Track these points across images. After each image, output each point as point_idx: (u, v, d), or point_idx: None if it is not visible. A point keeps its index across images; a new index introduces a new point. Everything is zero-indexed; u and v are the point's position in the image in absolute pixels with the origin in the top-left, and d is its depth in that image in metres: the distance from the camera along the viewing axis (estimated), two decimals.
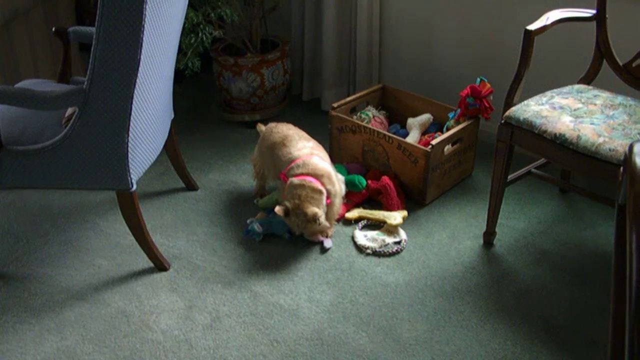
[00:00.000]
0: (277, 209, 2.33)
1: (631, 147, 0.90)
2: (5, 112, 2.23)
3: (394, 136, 2.67)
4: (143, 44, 1.88)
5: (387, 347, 2.00)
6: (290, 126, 2.67)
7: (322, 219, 2.35)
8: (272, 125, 2.70)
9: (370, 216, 2.58)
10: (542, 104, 2.19)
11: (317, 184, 2.36)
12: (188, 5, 2.57)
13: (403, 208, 2.61)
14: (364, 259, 2.40)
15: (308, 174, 2.39)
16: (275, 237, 2.50)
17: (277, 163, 2.53)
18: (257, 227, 2.46)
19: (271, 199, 2.66)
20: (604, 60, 2.37)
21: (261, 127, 2.76)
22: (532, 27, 2.19)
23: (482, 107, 2.70)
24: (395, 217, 2.52)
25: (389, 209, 2.60)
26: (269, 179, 2.69)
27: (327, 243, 2.45)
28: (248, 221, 2.55)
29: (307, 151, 2.49)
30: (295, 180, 2.38)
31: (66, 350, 2.00)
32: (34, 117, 2.19)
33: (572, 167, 2.08)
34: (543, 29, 2.21)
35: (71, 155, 2.04)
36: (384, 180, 2.63)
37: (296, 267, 2.35)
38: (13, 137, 2.09)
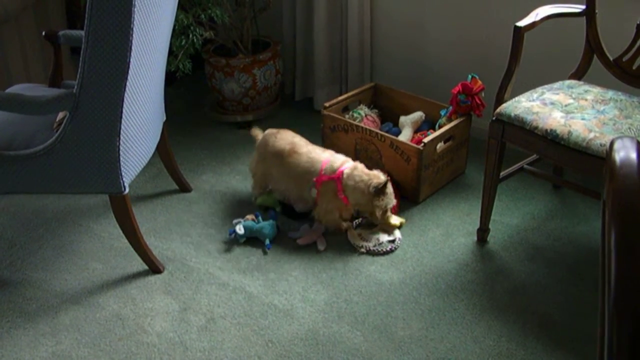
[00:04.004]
0: (372, 185, 2.40)
1: (612, 143, 0.91)
2: None
3: (387, 134, 2.68)
4: (132, 47, 1.87)
5: (381, 345, 2.01)
6: (292, 132, 2.64)
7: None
8: (272, 131, 2.64)
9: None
10: (533, 100, 2.20)
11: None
12: (178, 7, 2.56)
13: (397, 205, 2.61)
14: (358, 257, 2.40)
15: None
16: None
17: (294, 171, 2.49)
18: (237, 229, 2.46)
19: (270, 196, 2.65)
20: (595, 56, 2.38)
21: (256, 132, 2.72)
22: (521, 23, 2.20)
23: (474, 104, 2.71)
24: (394, 218, 2.52)
25: None
26: (274, 190, 2.62)
27: (321, 245, 2.44)
28: (234, 222, 2.54)
29: (327, 154, 2.52)
30: (350, 169, 2.43)
31: (61, 354, 2.00)
32: (24, 122, 2.18)
33: (564, 163, 2.09)
34: (533, 25, 2.22)
35: (63, 160, 2.04)
36: None
37: (290, 267, 2.35)
38: (4, 142, 2.09)
